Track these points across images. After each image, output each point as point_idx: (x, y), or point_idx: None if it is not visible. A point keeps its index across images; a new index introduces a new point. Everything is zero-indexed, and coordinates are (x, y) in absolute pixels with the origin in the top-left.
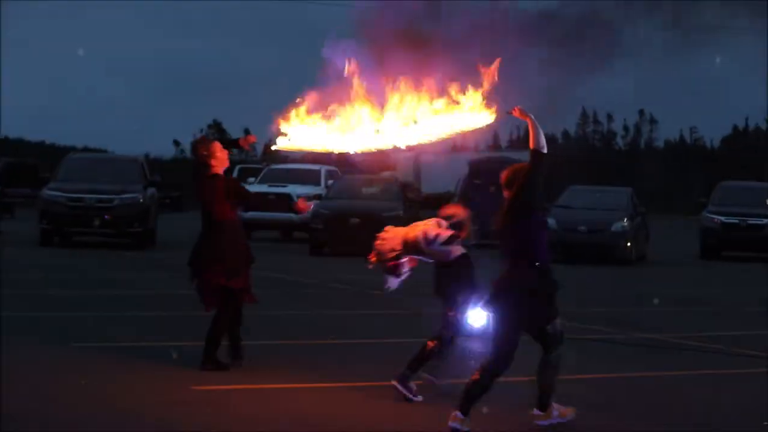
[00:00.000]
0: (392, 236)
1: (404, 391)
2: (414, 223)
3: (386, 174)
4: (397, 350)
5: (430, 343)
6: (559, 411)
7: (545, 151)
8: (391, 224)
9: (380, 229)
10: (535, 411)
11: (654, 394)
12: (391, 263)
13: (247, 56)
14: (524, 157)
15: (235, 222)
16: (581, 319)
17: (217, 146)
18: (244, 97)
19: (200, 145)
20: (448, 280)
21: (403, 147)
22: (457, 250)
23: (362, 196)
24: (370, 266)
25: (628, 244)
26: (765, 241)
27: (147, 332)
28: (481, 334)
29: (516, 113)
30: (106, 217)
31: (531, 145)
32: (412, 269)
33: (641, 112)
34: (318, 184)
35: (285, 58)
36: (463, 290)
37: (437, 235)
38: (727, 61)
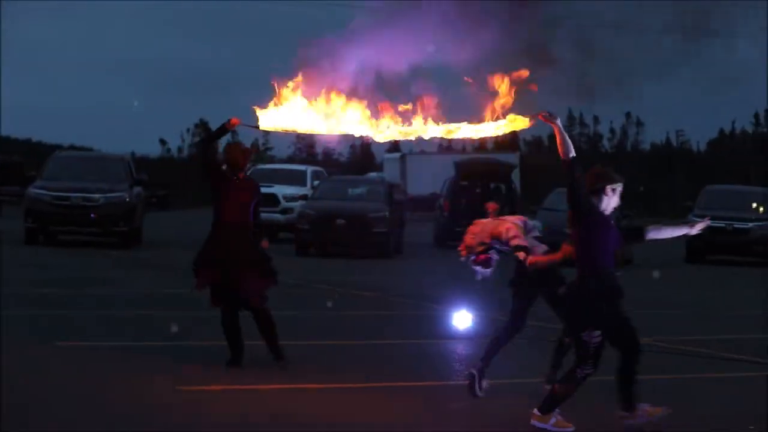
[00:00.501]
0: (481, 230)
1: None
2: (503, 217)
3: (372, 175)
4: (390, 352)
5: (566, 339)
6: (557, 419)
7: (572, 155)
8: (377, 225)
9: (366, 230)
10: (535, 410)
11: (645, 397)
12: (481, 257)
13: (234, 55)
14: (511, 158)
15: (250, 224)
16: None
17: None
18: (231, 97)
19: (247, 154)
20: (533, 284)
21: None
22: (541, 248)
23: (348, 197)
24: (461, 259)
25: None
26: (750, 245)
27: (134, 331)
28: (467, 336)
29: (541, 117)
30: (92, 215)
31: (561, 154)
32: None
33: (628, 115)
34: (304, 184)
35: (273, 58)
36: (556, 286)
37: (514, 237)
38: (715, 63)
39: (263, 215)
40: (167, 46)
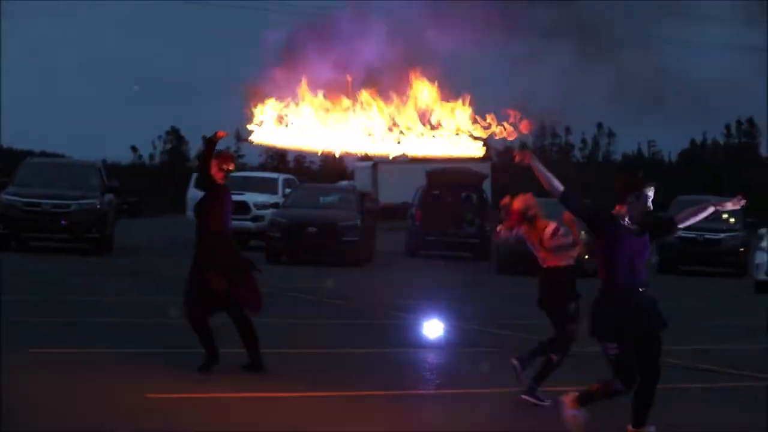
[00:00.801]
0: (533, 204)
1: (534, 401)
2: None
3: (344, 183)
4: (361, 360)
5: (553, 356)
6: (577, 417)
7: (561, 190)
8: (348, 233)
9: (337, 238)
10: (572, 395)
11: (617, 406)
12: (514, 218)
13: (204, 62)
14: (482, 168)
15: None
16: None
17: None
18: (202, 104)
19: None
20: (553, 291)
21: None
22: (561, 260)
23: (320, 205)
24: (502, 204)
25: (586, 256)
26: (721, 255)
27: (104, 339)
28: (437, 346)
29: (516, 158)
30: (63, 222)
31: (552, 194)
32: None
33: (599, 126)
34: (275, 192)
35: (243, 64)
36: (567, 301)
37: (553, 238)
38: (685, 73)
39: (235, 223)
40: (137, 51)
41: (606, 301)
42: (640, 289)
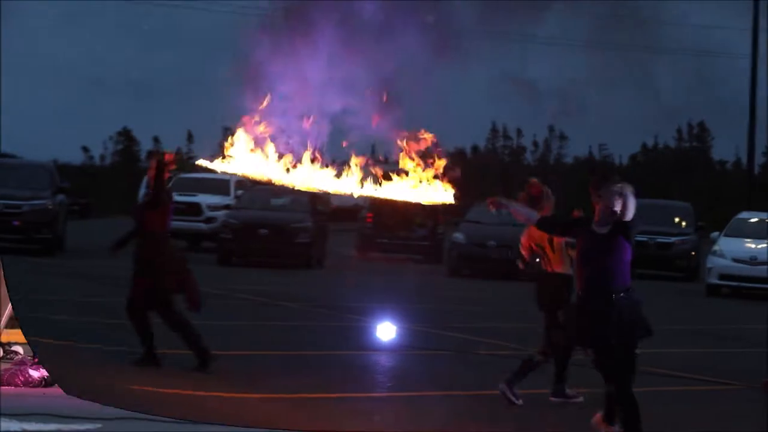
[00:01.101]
0: (550, 197)
1: (511, 397)
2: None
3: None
4: (312, 362)
5: (537, 356)
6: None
7: (536, 218)
8: (299, 235)
9: (289, 240)
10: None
11: (566, 411)
12: (538, 191)
13: (158, 63)
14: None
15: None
16: (487, 333)
17: None
18: (155, 105)
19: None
20: (548, 295)
21: (355, 195)
22: (566, 269)
23: (271, 207)
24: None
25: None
26: (672, 259)
27: (64, 338)
28: (390, 348)
29: (491, 207)
30: (15, 222)
31: (530, 225)
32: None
33: (551, 129)
34: (227, 194)
35: (198, 66)
36: (561, 307)
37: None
38: (638, 78)
39: (187, 224)
40: (89, 51)
41: (579, 307)
42: (621, 294)
